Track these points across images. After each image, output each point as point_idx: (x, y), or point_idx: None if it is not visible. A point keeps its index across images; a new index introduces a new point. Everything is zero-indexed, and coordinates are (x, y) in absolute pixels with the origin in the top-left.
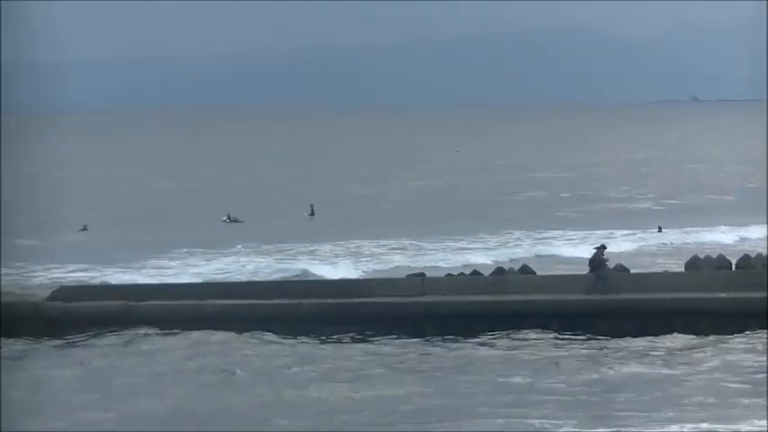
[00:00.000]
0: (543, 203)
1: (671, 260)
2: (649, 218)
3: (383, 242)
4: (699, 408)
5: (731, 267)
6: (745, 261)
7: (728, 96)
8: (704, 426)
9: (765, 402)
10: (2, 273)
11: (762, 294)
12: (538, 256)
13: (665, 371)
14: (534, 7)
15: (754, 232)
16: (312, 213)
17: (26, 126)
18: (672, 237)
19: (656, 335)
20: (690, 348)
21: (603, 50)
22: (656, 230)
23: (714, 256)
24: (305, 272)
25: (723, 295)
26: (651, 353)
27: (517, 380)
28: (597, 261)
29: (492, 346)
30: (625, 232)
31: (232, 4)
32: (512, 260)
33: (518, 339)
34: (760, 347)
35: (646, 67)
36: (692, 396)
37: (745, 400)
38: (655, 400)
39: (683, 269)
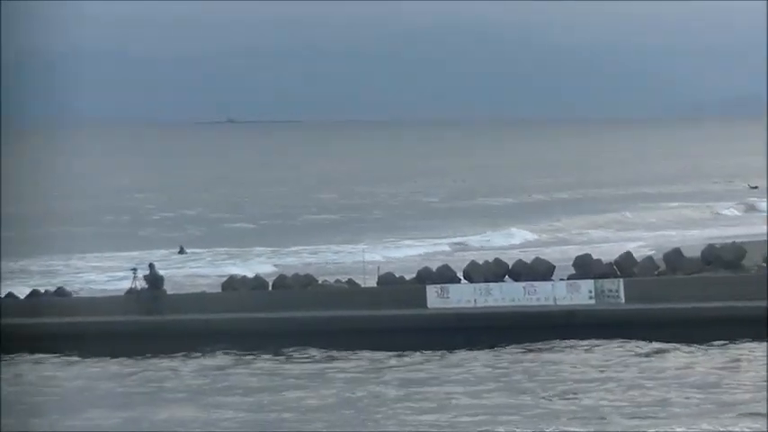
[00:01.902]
0: None
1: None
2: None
3: None
4: None
5: (268, 288)
6: (282, 281)
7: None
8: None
9: None
10: None
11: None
12: None
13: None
14: None
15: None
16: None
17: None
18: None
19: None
20: (233, 365)
21: None
22: (177, 251)
23: (251, 276)
24: None
25: (262, 315)
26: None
27: None
28: (151, 281)
29: None
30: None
31: None
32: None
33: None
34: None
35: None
36: None
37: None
38: None
39: (220, 290)
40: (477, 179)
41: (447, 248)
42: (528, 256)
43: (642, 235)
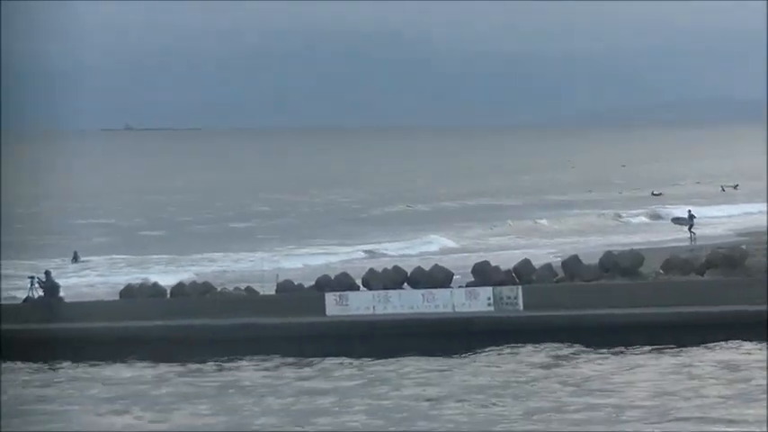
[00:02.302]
0: None
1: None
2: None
3: None
4: None
5: (166, 296)
6: (180, 289)
7: (162, 125)
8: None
9: None
10: None
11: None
12: None
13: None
14: None
15: None
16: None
17: None
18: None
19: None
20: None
21: None
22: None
23: (149, 284)
24: None
25: (160, 323)
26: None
27: None
28: (48, 288)
29: None
30: None
31: None
32: None
33: None
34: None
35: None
36: None
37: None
38: None
39: (118, 297)
40: (394, 186)
41: (362, 255)
42: (455, 263)
43: (550, 242)
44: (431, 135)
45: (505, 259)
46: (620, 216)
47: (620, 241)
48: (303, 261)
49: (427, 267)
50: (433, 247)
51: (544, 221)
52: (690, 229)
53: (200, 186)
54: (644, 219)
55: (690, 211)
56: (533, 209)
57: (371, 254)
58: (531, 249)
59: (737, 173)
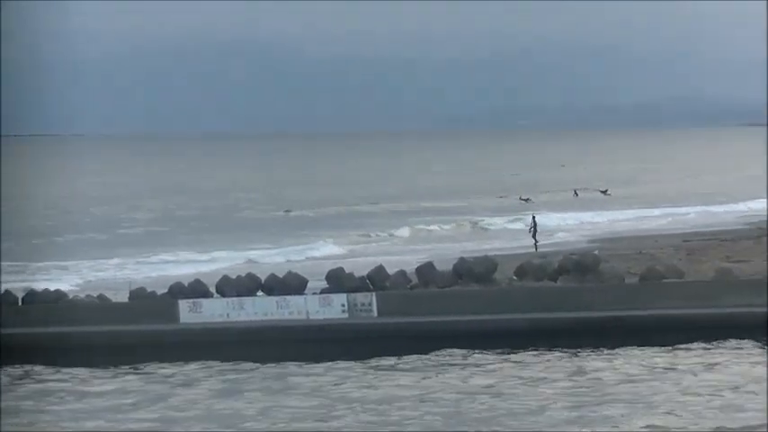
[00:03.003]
0: None
1: None
2: None
3: None
4: None
5: (18, 303)
6: (31, 297)
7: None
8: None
9: None
10: None
11: None
12: None
13: None
14: None
15: None
16: None
17: None
18: None
19: None
20: None
21: None
22: None
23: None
24: None
25: (10, 331)
26: None
27: None
28: None
29: None
30: None
31: None
32: None
33: None
34: None
35: None
36: None
37: None
38: None
39: None
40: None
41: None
42: (359, 266)
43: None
44: (303, 140)
45: (363, 266)
46: (476, 224)
47: (481, 248)
48: (165, 270)
49: (311, 273)
50: (318, 253)
51: (406, 230)
52: (533, 235)
53: (79, 193)
54: (505, 225)
55: (534, 217)
56: (404, 215)
57: (252, 261)
58: (396, 257)
59: (609, 179)
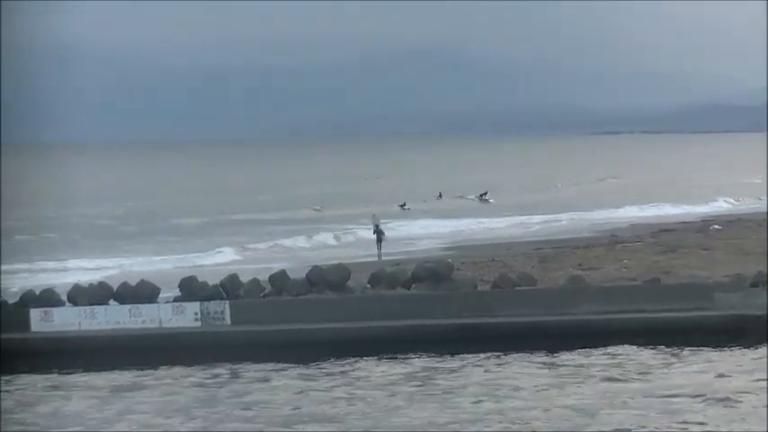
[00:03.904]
0: None
1: None
2: None
3: None
4: None
5: None
6: None
7: None
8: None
9: None
10: None
11: None
12: None
13: None
14: None
15: None
16: None
17: None
18: None
19: None
20: None
21: None
22: None
23: None
24: None
25: None
26: None
27: None
28: None
29: None
30: None
31: None
32: None
33: None
34: None
35: None
36: None
37: None
38: None
39: None
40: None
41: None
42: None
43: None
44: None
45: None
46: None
47: (344, 254)
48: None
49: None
50: (221, 259)
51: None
52: (378, 242)
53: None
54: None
55: (377, 225)
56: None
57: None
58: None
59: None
